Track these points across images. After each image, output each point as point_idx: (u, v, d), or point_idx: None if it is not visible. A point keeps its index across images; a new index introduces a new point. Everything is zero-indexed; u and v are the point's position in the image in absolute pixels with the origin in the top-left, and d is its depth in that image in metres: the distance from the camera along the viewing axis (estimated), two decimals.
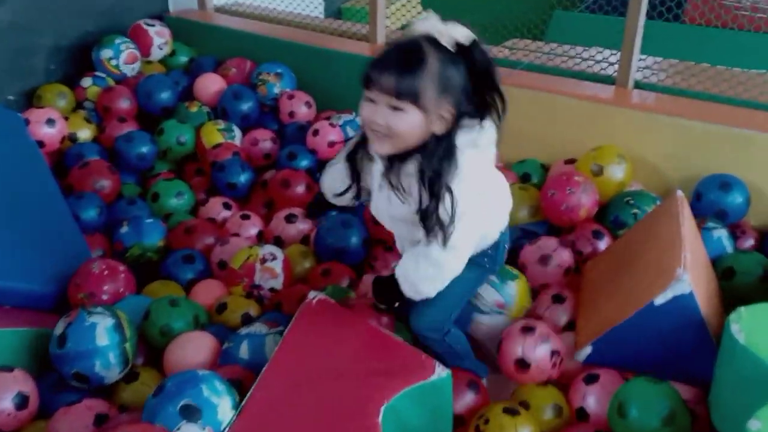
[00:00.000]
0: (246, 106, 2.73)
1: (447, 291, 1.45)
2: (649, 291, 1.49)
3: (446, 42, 1.27)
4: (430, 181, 1.30)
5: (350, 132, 2.64)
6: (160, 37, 2.98)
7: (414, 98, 1.25)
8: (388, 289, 1.50)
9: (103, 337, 1.55)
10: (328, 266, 1.99)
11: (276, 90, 2.77)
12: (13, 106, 2.72)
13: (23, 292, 1.83)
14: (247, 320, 1.83)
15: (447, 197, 1.30)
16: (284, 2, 3.38)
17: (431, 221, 1.32)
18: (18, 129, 2.44)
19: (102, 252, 2.14)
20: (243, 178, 2.43)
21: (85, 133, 2.64)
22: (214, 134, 2.61)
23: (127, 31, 3.03)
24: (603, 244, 1.95)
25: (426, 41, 1.27)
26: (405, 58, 1.26)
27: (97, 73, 2.85)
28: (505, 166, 2.31)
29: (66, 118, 2.63)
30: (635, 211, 2.00)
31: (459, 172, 1.31)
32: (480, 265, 1.56)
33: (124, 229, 2.13)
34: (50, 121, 2.53)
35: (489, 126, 1.36)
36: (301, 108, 2.74)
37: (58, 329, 1.59)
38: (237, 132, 2.66)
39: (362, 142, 1.47)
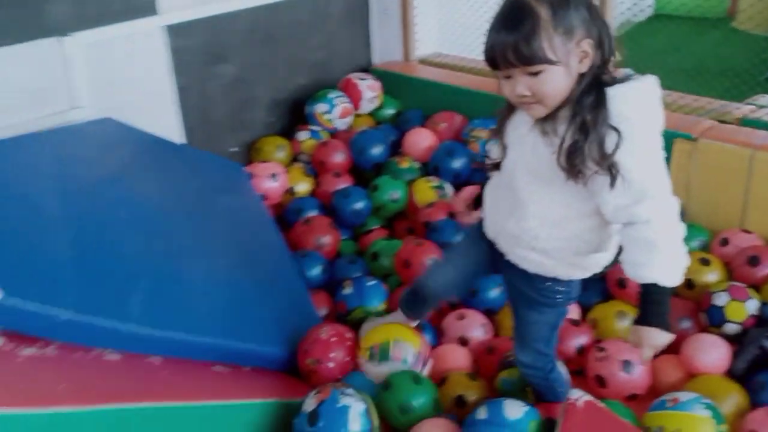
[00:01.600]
0: (458, 164, 2.64)
1: (530, 330, 1.51)
2: None
3: None
4: (582, 117, 1.19)
5: None
6: (371, 91, 2.99)
7: (544, 57, 1.15)
8: (658, 311, 1.26)
9: (356, 423, 1.48)
10: None
11: (488, 146, 2.66)
12: (235, 158, 2.82)
13: (257, 354, 1.81)
14: (461, 403, 1.72)
15: (603, 131, 1.18)
16: (477, 51, 3.28)
17: (576, 154, 1.19)
18: (243, 182, 2.52)
19: (326, 311, 2.11)
20: (458, 239, 2.33)
21: (303, 187, 2.67)
22: (427, 192, 2.54)
23: (336, 83, 3.08)
24: None
25: None
26: (515, 22, 1.16)
27: (312, 127, 2.90)
28: None
29: (286, 172, 2.68)
30: None
31: (628, 115, 1.18)
32: (553, 305, 1.46)
33: (347, 290, 2.09)
34: (273, 175, 2.58)
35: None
36: None
37: (309, 405, 1.53)
38: (449, 189, 2.58)
39: (508, 114, 1.37)
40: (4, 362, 1.29)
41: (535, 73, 1.17)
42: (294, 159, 2.87)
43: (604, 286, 2.13)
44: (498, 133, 1.39)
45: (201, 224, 2.08)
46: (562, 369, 1.67)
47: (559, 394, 1.62)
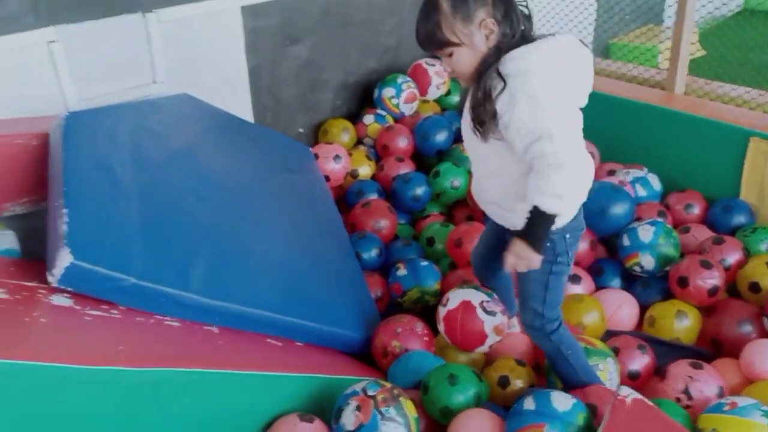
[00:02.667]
0: None
1: (525, 286, 1.61)
2: None
3: None
4: (483, 81, 1.37)
5: (640, 190, 2.41)
6: (438, 77, 2.99)
7: (449, 42, 1.40)
8: (533, 231, 1.43)
9: None
10: None
11: None
12: (302, 139, 2.89)
13: (309, 330, 1.85)
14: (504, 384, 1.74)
15: (496, 83, 1.35)
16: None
17: (477, 111, 1.39)
18: (309, 163, 2.57)
19: (381, 292, 2.15)
20: None
21: (365, 170, 2.71)
22: None
23: (407, 69, 3.09)
24: None
25: None
26: (425, 16, 1.41)
27: (379, 111, 2.92)
28: None
29: (349, 154, 2.72)
30: None
31: (517, 70, 1.33)
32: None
33: (402, 271, 2.12)
34: (337, 157, 2.63)
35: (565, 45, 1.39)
36: None
37: (349, 424, 1.50)
38: None
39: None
40: (71, 321, 1.38)
41: (449, 55, 1.42)
42: (358, 142, 2.91)
43: (664, 285, 2.10)
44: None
45: (266, 201, 2.15)
46: (569, 335, 1.68)
47: (570, 360, 1.65)
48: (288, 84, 2.79)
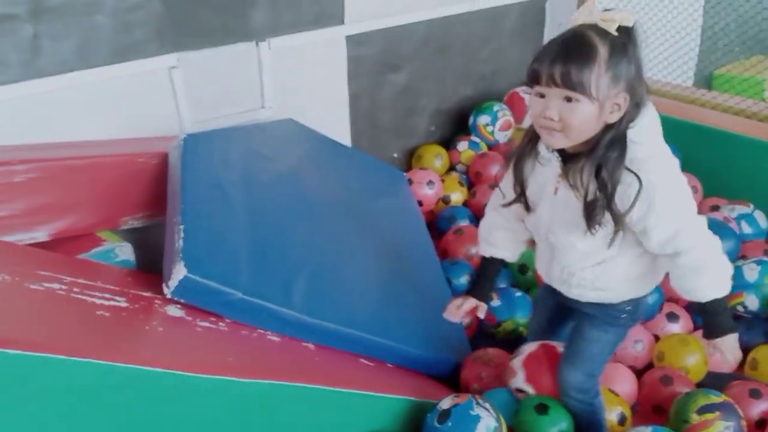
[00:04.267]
0: None
1: (588, 348, 1.55)
2: None
3: (612, 28, 1.22)
4: (605, 169, 1.26)
5: (745, 227, 2.32)
6: None
7: (587, 89, 1.22)
8: (722, 320, 1.41)
9: None
10: None
11: None
12: (396, 163, 2.95)
13: (400, 353, 1.88)
14: (623, 421, 1.70)
15: (627, 179, 1.25)
16: (653, 70, 3.16)
17: (597, 210, 1.28)
18: (403, 187, 2.63)
19: (470, 320, 2.16)
20: None
21: (457, 196, 2.74)
22: None
23: (501, 96, 3.11)
24: None
25: (591, 30, 1.24)
26: (575, 48, 1.23)
27: (473, 138, 2.95)
28: None
29: (442, 180, 2.76)
30: None
31: (644, 157, 1.26)
32: (617, 325, 1.53)
33: (496, 302, 2.12)
34: (430, 183, 2.67)
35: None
36: None
37: (445, 404, 1.59)
38: None
39: (529, 145, 1.42)
40: (185, 331, 1.47)
41: (570, 100, 1.23)
42: (451, 168, 2.94)
43: (767, 327, 2.01)
44: (516, 177, 1.45)
45: (362, 224, 2.21)
46: (603, 398, 1.66)
47: (602, 425, 1.63)
48: (385, 110, 2.86)
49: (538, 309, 1.83)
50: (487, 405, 1.58)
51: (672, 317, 2.05)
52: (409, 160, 3.00)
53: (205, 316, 1.56)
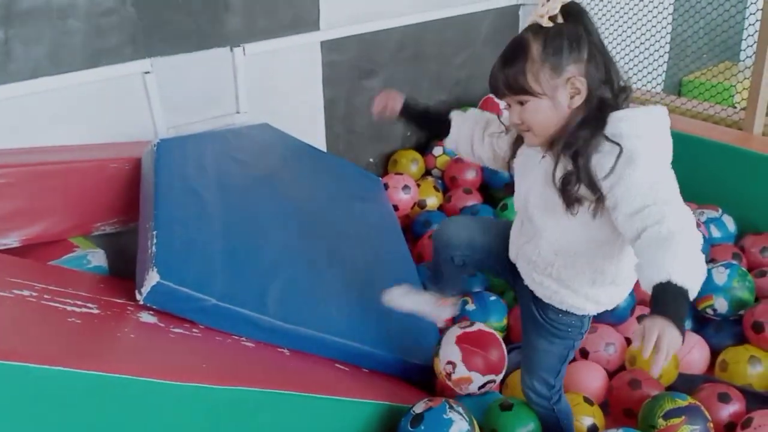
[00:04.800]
0: None
1: (537, 357, 1.55)
2: None
3: (545, 22, 1.24)
4: (575, 149, 1.24)
5: (714, 231, 2.37)
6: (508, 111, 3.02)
7: (529, 89, 1.24)
8: (674, 310, 1.11)
9: None
10: None
11: None
12: (372, 169, 2.96)
13: (375, 357, 1.89)
14: (593, 431, 1.72)
15: (605, 148, 1.22)
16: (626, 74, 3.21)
17: (570, 186, 1.25)
18: (378, 192, 2.64)
19: (444, 324, 2.17)
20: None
21: (432, 201, 2.75)
22: None
23: (476, 101, 3.14)
24: None
25: (529, 29, 1.26)
26: (508, 54, 1.27)
27: None
28: None
29: (417, 185, 2.77)
30: None
31: (635, 127, 1.22)
32: (562, 338, 1.50)
33: (471, 306, 2.14)
34: (406, 188, 2.69)
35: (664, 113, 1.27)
36: None
37: (418, 408, 1.61)
38: None
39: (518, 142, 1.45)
40: (158, 338, 1.46)
41: (523, 103, 1.27)
42: (426, 173, 2.96)
43: (738, 329, 2.05)
44: (511, 145, 1.47)
45: (337, 229, 2.22)
46: (568, 404, 1.67)
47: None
48: (361, 115, 2.87)
49: (486, 225, 1.74)
50: (460, 409, 1.60)
51: (643, 320, 2.08)
52: (386, 164, 3.02)
53: (179, 322, 1.55)
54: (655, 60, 3.16)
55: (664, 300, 1.12)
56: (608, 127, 1.23)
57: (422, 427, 1.55)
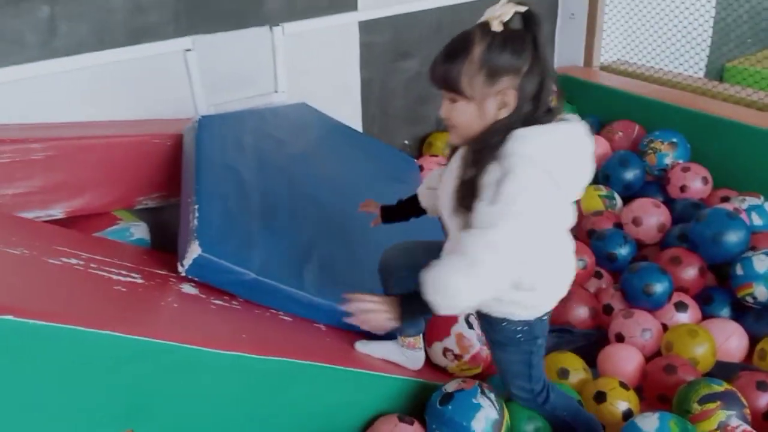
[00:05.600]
0: (631, 174, 2.58)
1: (503, 365, 1.54)
2: None
3: (495, 26, 1.19)
4: (478, 152, 1.24)
5: (756, 219, 2.32)
6: None
7: (459, 89, 1.22)
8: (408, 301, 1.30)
9: (480, 423, 1.54)
10: None
11: (667, 160, 2.57)
12: (407, 150, 2.96)
13: None
14: (628, 415, 1.70)
15: (495, 170, 1.20)
16: (664, 61, 3.16)
17: (466, 195, 1.24)
18: (413, 174, 2.63)
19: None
20: (624, 251, 2.29)
21: None
22: (594, 200, 2.51)
23: None
24: None
25: (478, 27, 1.22)
26: (450, 49, 1.23)
27: None
28: None
29: None
30: None
31: (518, 152, 1.19)
32: (516, 344, 1.45)
33: None
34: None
35: (576, 133, 1.23)
36: (696, 183, 2.49)
37: (450, 387, 1.62)
38: (618, 200, 2.53)
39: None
40: (200, 308, 1.49)
41: (454, 100, 1.25)
42: None
43: None
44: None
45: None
46: (560, 397, 1.62)
47: (569, 422, 1.61)
48: (397, 96, 2.87)
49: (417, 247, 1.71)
50: (492, 396, 1.59)
51: (680, 307, 2.06)
52: (420, 147, 3.01)
53: (219, 294, 1.58)
54: (697, 44, 3.10)
55: (412, 294, 1.28)
56: (506, 143, 1.20)
57: (450, 407, 1.56)
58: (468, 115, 1.24)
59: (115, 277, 1.44)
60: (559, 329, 2.05)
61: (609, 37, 3.26)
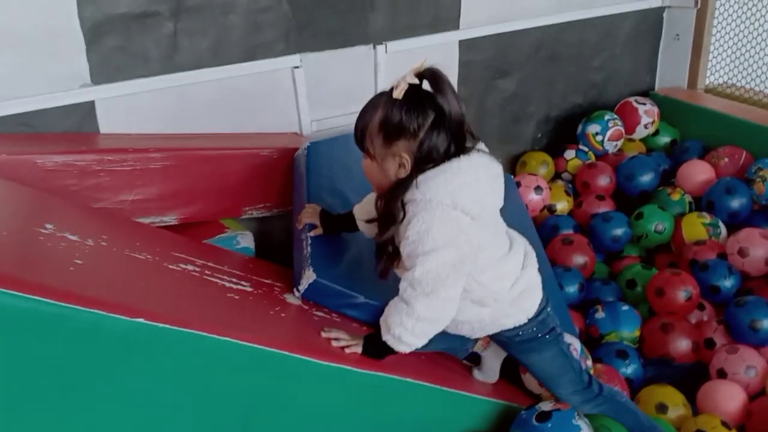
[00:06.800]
0: (737, 203, 2.48)
1: (540, 373, 1.61)
2: None
3: (396, 93, 1.28)
4: (385, 209, 1.34)
5: None
6: (648, 116, 2.92)
7: (365, 148, 1.36)
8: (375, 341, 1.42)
9: None
10: None
11: None
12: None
13: None
14: None
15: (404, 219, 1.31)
16: (751, 75, 3.02)
17: (383, 250, 1.38)
18: (511, 190, 2.61)
19: (578, 330, 2.15)
20: (729, 283, 2.20)
21: (562, 205, 2.71)
22: (697, 228, 2.43)
23: (610, 105, 3.05)
24: None
25: (386, 92, 1.32)
26: (362, 110, 1.36)
27: (580, 147, 2.91)
28: None
29: (549, 188, 2.74)
30: None
31: (416, 198, 1.29)
32: (535, 341, 1.52)
33: (600, 314, 2.10)
34: (538, 188, 2.67)
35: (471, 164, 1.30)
36: None
37: (545, 406, 1.62)
38: (723, 229, 2.44)
39: None
40: (305, 319, 1.55)
41: (365, 158, 1.38)
42: (555, 176, 2.91)
43: None
44: None
45: None
46: (610, 388, 1.68)
47: (639, 416, 1.65)
48: (492, 115, 2.87)
49: None
50: (585, 419, 1.59)
51: None
52: (513, 166, 3.00)
53: (320, 306, 1.63)
54: None
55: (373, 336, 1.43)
56: (407, 192, 1.30)
57: (549, 424, 1.56)
58: (374, 171, 1.38)
59: (227, 284, 1.51)
60: (657, 361, 2.00)
61: (716, 58, 3.15)
